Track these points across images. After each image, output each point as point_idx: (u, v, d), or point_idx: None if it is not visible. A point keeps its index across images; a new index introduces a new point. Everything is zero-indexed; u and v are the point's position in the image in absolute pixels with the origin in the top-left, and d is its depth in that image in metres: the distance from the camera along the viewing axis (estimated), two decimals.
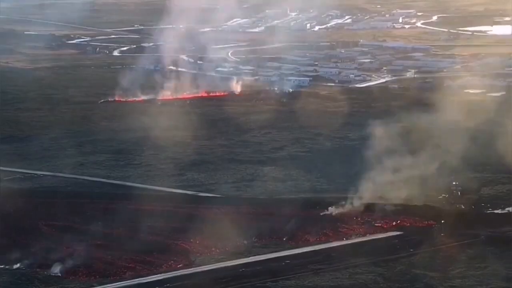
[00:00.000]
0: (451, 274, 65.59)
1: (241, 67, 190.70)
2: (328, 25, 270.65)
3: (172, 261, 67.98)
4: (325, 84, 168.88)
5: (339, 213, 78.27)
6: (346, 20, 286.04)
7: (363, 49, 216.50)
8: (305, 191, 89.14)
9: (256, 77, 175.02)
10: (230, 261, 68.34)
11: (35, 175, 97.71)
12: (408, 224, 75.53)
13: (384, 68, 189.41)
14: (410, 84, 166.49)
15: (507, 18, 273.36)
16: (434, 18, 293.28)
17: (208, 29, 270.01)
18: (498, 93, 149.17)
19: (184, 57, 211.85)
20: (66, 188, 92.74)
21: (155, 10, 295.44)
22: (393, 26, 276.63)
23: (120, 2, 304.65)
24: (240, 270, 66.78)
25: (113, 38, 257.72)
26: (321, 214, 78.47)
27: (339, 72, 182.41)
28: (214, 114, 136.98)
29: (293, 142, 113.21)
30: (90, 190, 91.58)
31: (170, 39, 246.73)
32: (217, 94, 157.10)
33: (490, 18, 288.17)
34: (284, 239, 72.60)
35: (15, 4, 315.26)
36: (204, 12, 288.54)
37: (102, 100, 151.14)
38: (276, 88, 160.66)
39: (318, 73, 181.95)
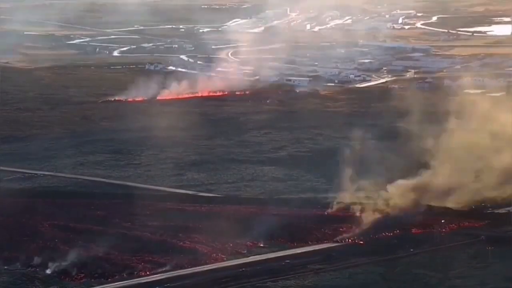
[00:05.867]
0: (451, 274, 65.62)
1: (241, 67, 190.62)
2: (328, 25, 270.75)
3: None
4: (325, 84, 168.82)
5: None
6: (346, 20, 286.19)
7: (363, 49, 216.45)
8: (305, 191, 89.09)
9: (256, 77, 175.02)
10: (230, 261, 68.33)
11: (35, 175, 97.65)
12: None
13: (384, 68, 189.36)
14: (410, 84, 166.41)
15: (507, 19, 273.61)
16: (434, 18, 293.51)
17: (208, 29, 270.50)
18: (498, 93, 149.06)
19: (184, 57, 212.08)
20: (65, 188, 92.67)
21: (155, 11, 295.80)
22: (393, 26, 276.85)
23: (120, 2, 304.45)
24: (241, 270, 66.80)
25: (113, 38, 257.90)
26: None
27: (339, 72, 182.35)
28: (214, 114, 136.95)
29: (293, 142, 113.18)
30: (90, 190, 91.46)
31: (169, 40, 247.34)
32: (218, 94, 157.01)
33: (490, 18, 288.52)
34: None
35: (15, 4, 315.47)
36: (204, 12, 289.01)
37: (102, 100, 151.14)
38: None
39: (318, 73, 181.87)
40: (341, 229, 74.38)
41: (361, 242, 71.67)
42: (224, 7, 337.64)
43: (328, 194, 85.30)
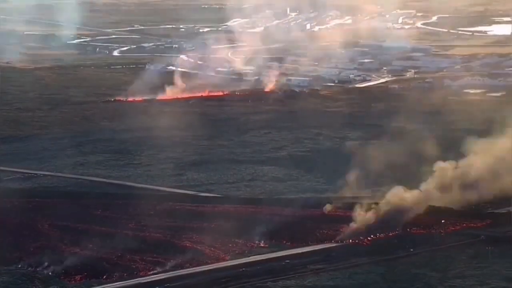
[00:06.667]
0: (450, 273, 65.63)
1: (241, 67, 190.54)
2: (328, 25, 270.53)
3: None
4: (325, 84, 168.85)
5: None
6: (346, 20, 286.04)
7: (363, 49, 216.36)
8: (305, 190, 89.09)
9: (256, 77, 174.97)
10: (231, 261, 68.34)
11: (35, 175, 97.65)
12: None
13: (384, 68, 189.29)
14: (410, 84, 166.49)
15: (507, 18, 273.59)
16: (434, 18, 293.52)
17: (208, 29, 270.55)
18: (498, 93, 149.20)
19: (184, 57, 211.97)
20: (65, 188, 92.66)
21: (155, 11, 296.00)
22: (393, 26, 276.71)
23: (120, 2, 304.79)
24: (241, 270, 66.81)
25: (113, 38, 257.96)
26: None
27: (339, 72, 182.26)
28: (214, 114, 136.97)
29: (293, 142, 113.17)
30: (90, 190, 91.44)
31: (170, 39, 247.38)
32: (218, 94, 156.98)
33: (490, 18, 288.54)
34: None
35: (15, 4, 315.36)
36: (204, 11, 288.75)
37: (103, 100, 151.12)
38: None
39: (318, 73, 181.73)
40: (341, 229, 74.34)
41: (366, 243, 71.52)
42: (224, 7, 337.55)
43: (328, 194, 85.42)
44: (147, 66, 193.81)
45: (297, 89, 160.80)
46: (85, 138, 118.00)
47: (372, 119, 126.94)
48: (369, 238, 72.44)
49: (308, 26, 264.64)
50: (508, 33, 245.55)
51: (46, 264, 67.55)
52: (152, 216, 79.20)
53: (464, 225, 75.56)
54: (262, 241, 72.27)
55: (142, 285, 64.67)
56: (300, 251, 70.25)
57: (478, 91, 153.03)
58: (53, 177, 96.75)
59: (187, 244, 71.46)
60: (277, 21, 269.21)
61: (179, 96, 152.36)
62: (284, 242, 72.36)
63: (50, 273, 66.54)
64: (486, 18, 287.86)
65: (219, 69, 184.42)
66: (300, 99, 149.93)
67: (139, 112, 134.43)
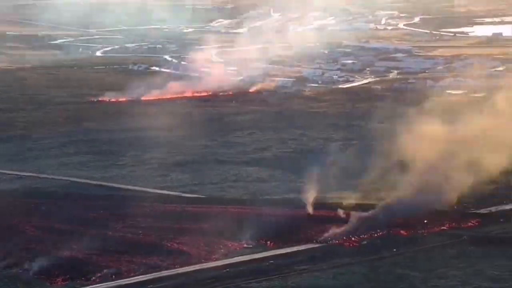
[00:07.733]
0: (433, 274, 66.06)
1: (225, 68, 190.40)
2: (311, 26, 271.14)
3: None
4: (309, 84, 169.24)
5: None
6: (329, 21, 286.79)
7: (346, 50, 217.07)
8: (289, 191, 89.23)
9: (240, 78, 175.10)
10: (215, 262, 68.38)
11: (18, 176, 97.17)
12: None
13: (367, 69, 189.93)
14: (393, 85, 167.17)
15: (488, 19, 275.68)
16: (417, 19, 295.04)
17: (192, 29, 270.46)
18: (480, 94, 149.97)
19: (167, 57, 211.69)
20: (48, 189, 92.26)
21: (139, 11, 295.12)
22: (376, 27, 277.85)
23: (103, 2, 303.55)
24: (225, 270, 66.86)
25: (96, 38, 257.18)
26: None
27: (323, 73, 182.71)
28: (198, 114, 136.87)
29: (277, 143, 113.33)
30: (74, 191, 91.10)
31: (153, 40, 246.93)
32: (202, 94, 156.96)
33: (471, 19, 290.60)
34: None
35: None
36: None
37: (86, 100, 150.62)
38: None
39: (301, 74, 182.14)
40: (325, 230, 74.54)
41: (353, 244, 71.74)
42: (208, 7, 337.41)
43: (311, 194, 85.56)
44: (130, 67, 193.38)
45: (281, 90, 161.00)
46: (68, 138, 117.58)
47: (356, 120, 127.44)
48: (354, 239, 72.73)
49: (291, 27, 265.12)
50: (490, 34, 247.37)
51: (29, 265, 67.22)
52: (135, 217, 79.04)
53: (447, 225, 76.09)
54: (246, 242, 72.21)
55: (124, 286, 64.47)
56: (284, 252, 70.30)
57: (460, 91, 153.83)
58: (37, 178, 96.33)
59: (171, 246, 71.37)
60: (261, 22, 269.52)
61: (163, 96, 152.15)
62: (269, 242, 72.39)
63: (32, 275, 66.23)
64: (468, 19, 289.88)
65: (203, 69, 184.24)
66: (284, 99, 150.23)
67: (123, 113, 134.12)
